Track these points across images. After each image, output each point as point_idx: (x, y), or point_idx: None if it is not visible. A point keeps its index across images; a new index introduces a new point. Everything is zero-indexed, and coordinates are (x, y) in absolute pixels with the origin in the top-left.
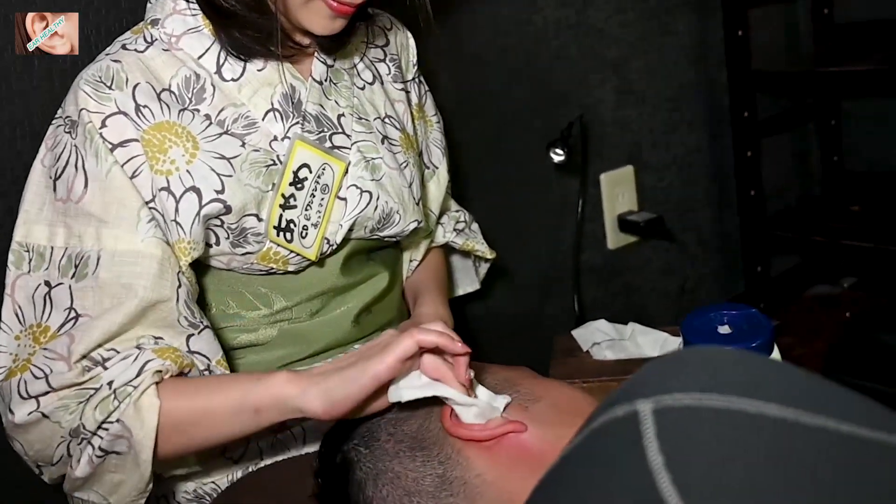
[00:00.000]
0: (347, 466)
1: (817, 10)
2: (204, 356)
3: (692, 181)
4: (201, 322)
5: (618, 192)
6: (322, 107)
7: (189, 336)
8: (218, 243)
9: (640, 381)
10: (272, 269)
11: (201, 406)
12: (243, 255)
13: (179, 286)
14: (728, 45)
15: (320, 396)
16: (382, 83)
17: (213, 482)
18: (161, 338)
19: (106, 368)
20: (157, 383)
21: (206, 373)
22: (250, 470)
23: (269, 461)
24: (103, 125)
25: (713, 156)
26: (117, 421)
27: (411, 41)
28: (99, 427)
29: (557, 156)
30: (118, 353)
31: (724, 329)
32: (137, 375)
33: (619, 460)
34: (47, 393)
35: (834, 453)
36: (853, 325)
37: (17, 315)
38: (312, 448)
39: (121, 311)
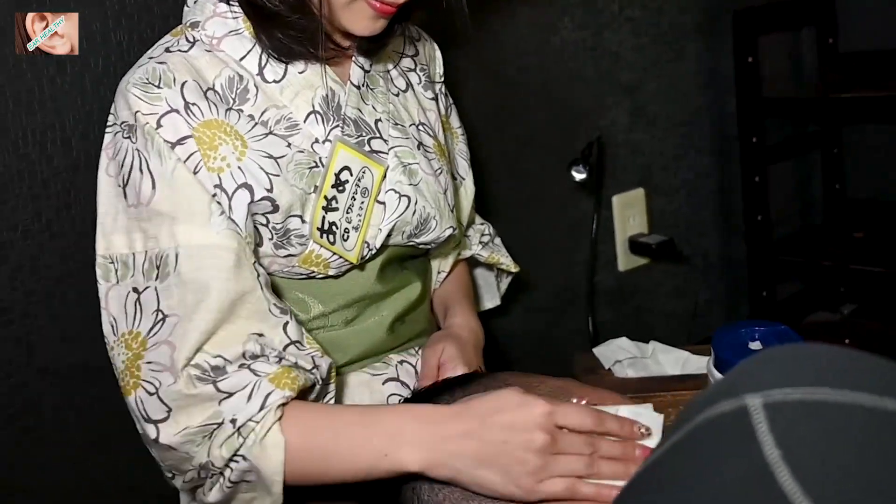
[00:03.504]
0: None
1: (822, 40)
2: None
3: (700, 205)
4: (287, 307)
5: (629, 214)
6: (360, 111)
7: (285, 324)
8: (261, 244)
9: (742, 377)
10: (313, 272)
11: (325, 468)
12: (285, 257)
13: (259, 275)
14: (738, 72)
15: (445, 476)
16: (414, 91)
17: None
18: (261, 334)
19: (216, 382)
20: (280, 418)
21: (318, 383)
22: None
23: None
24: (159, 125)
25: (720, 180)
26: (244, 458)
27: (438, 52)
28: (227, 463)
29: (579, 174)
30: (227, 361)
31: (756, 345)
32: (259, 410)
33: (730, 455)
34: (166, 419)
35: None
36: None
37: (111, 326)
38: None
39: (206, 307)
